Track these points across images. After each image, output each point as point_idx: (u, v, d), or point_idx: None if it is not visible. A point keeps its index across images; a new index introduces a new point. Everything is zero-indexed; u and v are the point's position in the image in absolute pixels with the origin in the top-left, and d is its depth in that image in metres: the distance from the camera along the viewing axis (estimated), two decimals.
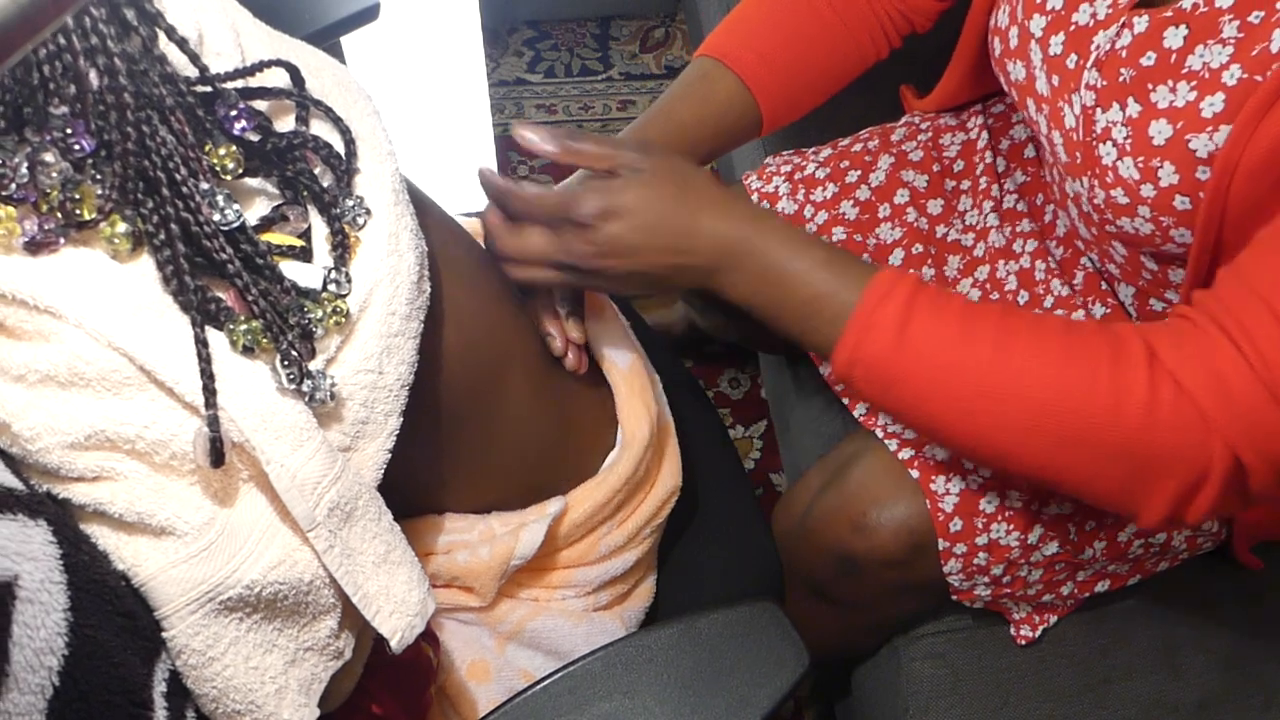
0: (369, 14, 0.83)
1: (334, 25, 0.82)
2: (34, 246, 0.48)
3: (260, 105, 0.57)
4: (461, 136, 1.40)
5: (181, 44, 0.53)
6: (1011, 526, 0.82)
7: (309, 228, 0.56)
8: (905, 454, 0.84)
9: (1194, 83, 0.64)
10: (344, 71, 0.63)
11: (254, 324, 0.52)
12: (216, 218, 0.51)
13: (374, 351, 0.56)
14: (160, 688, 0.49)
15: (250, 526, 0.51)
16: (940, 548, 0.83)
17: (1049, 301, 0.88)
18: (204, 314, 0.51)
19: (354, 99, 0.62)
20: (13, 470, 0.48)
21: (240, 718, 0.52)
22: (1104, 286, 0.88)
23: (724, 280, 0.67)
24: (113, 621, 0.46)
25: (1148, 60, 0.67)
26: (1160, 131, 0.66)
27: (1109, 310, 0.86)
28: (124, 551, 0.49)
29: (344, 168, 0.58)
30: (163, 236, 0.50)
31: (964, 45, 0.92)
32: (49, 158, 0.48)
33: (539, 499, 0.74)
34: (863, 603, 0.93)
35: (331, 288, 0.55)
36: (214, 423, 0.49)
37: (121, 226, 0.50)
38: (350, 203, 0.57)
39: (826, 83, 0.89)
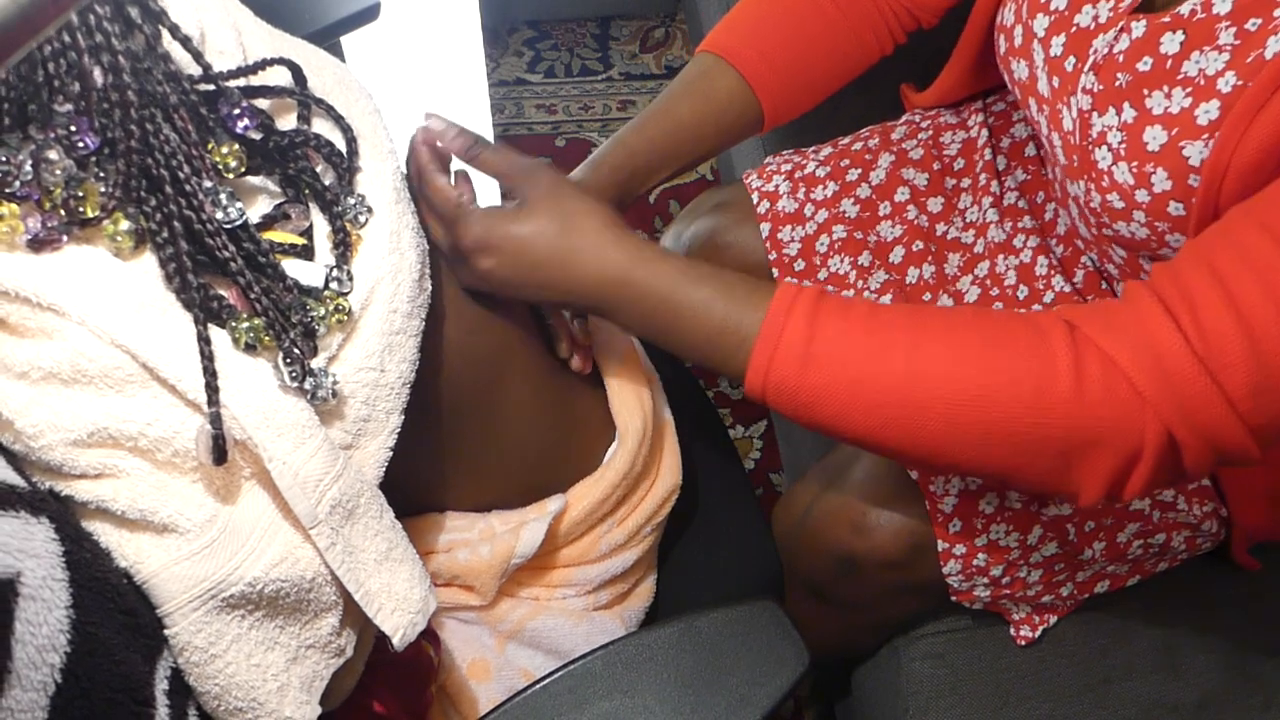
0: (369, 14, 0.83)
1: (334, 25, 0.82)
2: (37, 244, 0.48)
3: (262, 104, 0.57)
4: None
5: (185, 42, 0.53)
6: (1011, 527, 0.82)
7: (311, 226, 0.57)
8: None
9: (1189, 89, 0.64)
10: (345, 70, 0.63)
11: (256, 321, 0.52)
12: (219, 215, 0.51)
13: (376, 349, 0.56)
14: (162, 685, 0.49)
15: (252, 524, 0.51)
16: (939, 549, 0.83)
17: (1049, 297, 0.88)
18: (206, 311, 0.51)
19: (355, 97, 0.62)
20: (15, 467, 0.48)
21: (242, 715, 0.52)
22: (1104, 286, 0.88)
23: (612, 315, 0.66)
24: (115, 619, 0.46)
25: (1144, 65, 0.67)
26: (1155, 137, 0.66)
27: None
28: (126, 549, 0.49)
29: (345, 166, 0.58)
30: (165, 234, 0.50)
31: (967, 39, 0.91)
32: (53, 155, 0.48)
33: (539, 497, 0.74)
34: (862, 603, 0.93)
35: (333, 285, 0.55)
36: (216, 420, 0.49)
37: (124, 224, 0.50)
38: (352, 201, 0.58)
39: (829, 80, 0.88)
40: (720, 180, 1.75)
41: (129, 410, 0.48)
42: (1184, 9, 0.65)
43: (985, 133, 0.98)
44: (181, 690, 0.51)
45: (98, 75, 0.49)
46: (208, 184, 0.51)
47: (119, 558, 0.49)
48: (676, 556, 0.88)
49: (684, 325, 0.63)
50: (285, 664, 0.53)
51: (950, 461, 0.62)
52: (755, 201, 1.02)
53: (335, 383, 0.54)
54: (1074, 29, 0.73)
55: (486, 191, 0.73)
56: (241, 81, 0.56)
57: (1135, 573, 0.89)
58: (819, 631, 0.93)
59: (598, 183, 0.79)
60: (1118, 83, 0.69)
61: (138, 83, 0.49)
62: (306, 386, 0.52)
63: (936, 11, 0.88)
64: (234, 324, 0.51)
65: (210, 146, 0.53)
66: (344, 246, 0.56)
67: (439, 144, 0.69)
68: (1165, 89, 0.65)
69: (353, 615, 0.57)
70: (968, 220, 0.96)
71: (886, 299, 0.94)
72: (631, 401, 0.76)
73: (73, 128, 0.49)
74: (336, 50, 0.92)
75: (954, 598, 0.88)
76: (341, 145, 0.59)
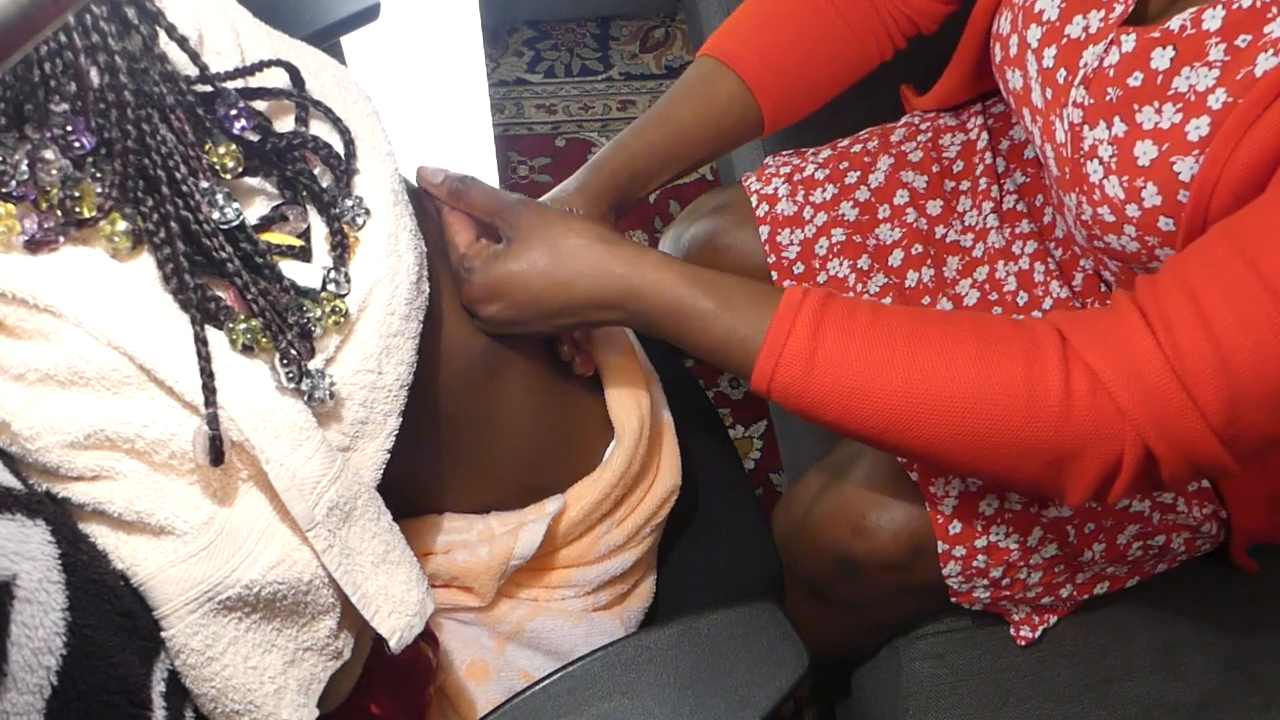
0: (369, 14, 0.83)
1: (334, 25, 0.82)
2: (34, 245, 0.48)
3: (260, 105, 0.57)
4: (461, 136, 1.40)
5: (181, 43, 0.53)
6: (1010, 529, 0.82)
7: (308, 227, 0.56)
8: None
9: (1180, 105, 0.64)
10: (343, 72, 0.63)
11: (253, 323, 0.52)
12: (216, 216, 0.51)
13: (373, 351, 0.56)
14: (159, 687, 0.49)
15: (249, 526, 0.51)
16: (939, 550, 0.83)
17: (1048, 303, 0.88)
18: (203, 313, 0.51)
19: (353, 99, 0.62)
20: (11, 469, 0.48)
21: (239, 718, 0.52)
22: (1103, 289, 0.88)
23: (628, 323, 0.68)
24: (111, 621, 0.46)
25: (1134, 80, 0.67)
26: (1145, 152, 0.66)
27: None
28: (123, 551, 0.49)
29: (343, 168, 0.58)
30: (162, 235, 0.50)
31: (965, 44, 0.91)
32: (49, 155, 0.48)
33: (538, 498, 0.74)
34: (862, 604, 0.93)
35: (331, 287, 0.55)
36: (213, 421, 0.49)
37: (121, 225, 0.50)
38: (349, 203, 0.57)
39: (829, 84, 0.88)
40: (720, 181, 1.75)
41: (126, 412, 0.48)
42: (1174, 24, 0.65)
43: (985, 135, 0.98)
44: (178, 692, 0.51)
45: (94, 75, 0.49)
46: (205, 184, 0.51)
47: (116, 560, 0.49)
48: (676, 557, 0.88)
49: (691, 335, 0.65)
50: (282, 666, 0.53)
51: (947, 464, 0.65)
52: (754, 204, 1.02)
53: (332, 384, 0.54)
54: (1065, 40, 0.73)
55: None
56: (239, 83, 0.56)
57: (1135, 574, 0.89)
58: (819, 632, 0.93)
59: (598, 185, 0.79)
60: (1108, 97, 0.69)
61: (134, 83, 0.49)
62: (304, 388, 0.52)
63: (935, 18, 0.88)
64: (231, 325, 0.51)
65: (207, 147, 0.52)
66: (341, 248, 0.56)
67: (427, 188, 0.70)
68: (1156, 104, 0.66)
69: (350, 617, 0.57)
70: (967, 224, 0.96)
71: (886, 302, 0.94)
72: (629, 401, 0.76)
73: (69, 128, 0.48)
74: (336, 51, 0.92)
75: (954, 599, 0.88)
76: (339, 147, 0.58)
